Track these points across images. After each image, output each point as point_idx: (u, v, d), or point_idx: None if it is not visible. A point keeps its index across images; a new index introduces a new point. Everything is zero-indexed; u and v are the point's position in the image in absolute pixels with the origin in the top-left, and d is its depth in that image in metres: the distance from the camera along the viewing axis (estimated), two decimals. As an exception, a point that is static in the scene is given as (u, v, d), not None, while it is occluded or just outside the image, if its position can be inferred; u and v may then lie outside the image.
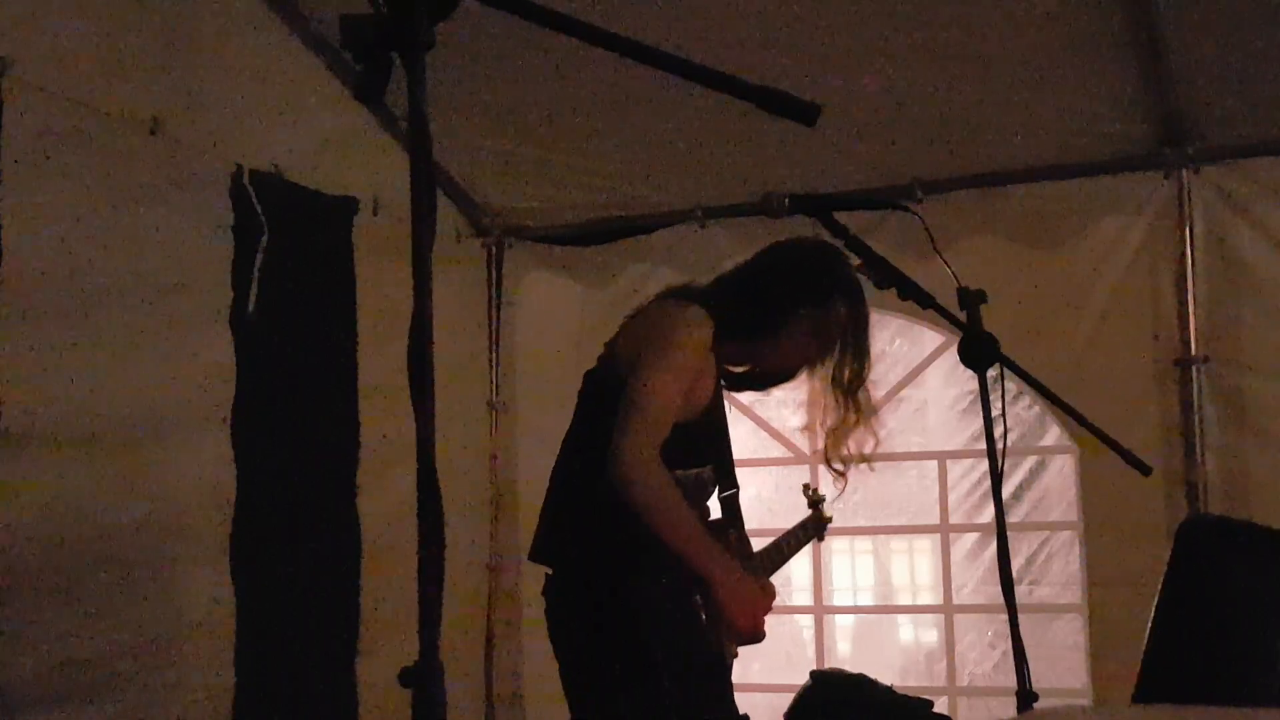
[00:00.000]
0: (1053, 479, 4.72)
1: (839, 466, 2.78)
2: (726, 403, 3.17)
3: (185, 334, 3.07)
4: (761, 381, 2.86)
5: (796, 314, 2.64)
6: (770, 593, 2.68)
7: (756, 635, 2.65)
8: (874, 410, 2.78)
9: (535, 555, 2.61)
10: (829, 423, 2.73)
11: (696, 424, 2.55)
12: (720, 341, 2.55)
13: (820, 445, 2.79)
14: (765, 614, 2.63)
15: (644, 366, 2.43)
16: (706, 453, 2.67)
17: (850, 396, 2.69)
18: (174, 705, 2.98)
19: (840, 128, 3.54)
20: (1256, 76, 3.40)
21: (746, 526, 2.85)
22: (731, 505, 2.78)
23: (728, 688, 2.66)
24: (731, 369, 2.79)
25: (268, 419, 3.27)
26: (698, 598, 2.52)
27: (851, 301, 2.65)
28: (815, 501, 3.29)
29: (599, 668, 2.48)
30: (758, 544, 2.95)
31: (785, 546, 3.07)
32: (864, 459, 2.78)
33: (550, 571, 2.58)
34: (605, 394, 2.47)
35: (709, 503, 2.74)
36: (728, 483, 2.77)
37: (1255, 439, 3.61)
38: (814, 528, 3.25)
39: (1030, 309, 3.73)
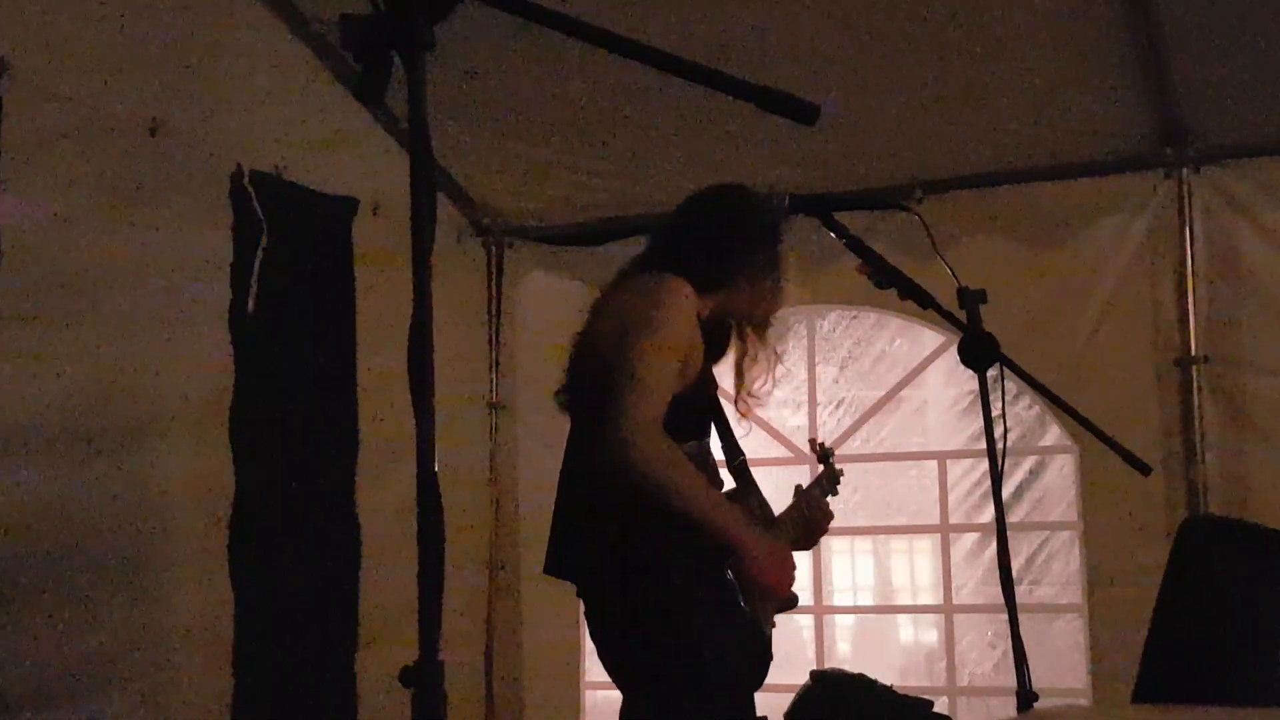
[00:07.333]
0: (1053, 479, 4.71)
1: (752, 401, 2.76)
2: (726, 403, 3.14)
3: (184, 334, 3.07)
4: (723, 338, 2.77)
5: (761, 250, 2.63)
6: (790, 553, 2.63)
7: (790, 599, 2.63)
8: (777, 336, 2.78)
9: (551, 568, 2.52)
10: (745, 362, 2.72)
11: (691, 395, 2.47)
12: (701, 296, 2.50)
13: (733, 389, 2.76)
14: (793, 575, 2.57)
15: (635, 338, 2.33)
16: (704, 424, 2.61)
17: (764, 329, 2.70)
18: (173, 705, 2.98)
19: (840, 128, 3.54)
20: (1256, 77, 3.40)
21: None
22: (743, 473, 2.71)
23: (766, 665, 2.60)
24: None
25: (267, 419, 3.28)
26: (729, 573, 2.45)
27: (781, 237, 2.68)
28: (824, 456, 3.17)
29: (649, 674, 2.41)
30: None
31: (805, 508, 2.94)
32: (775, 383, 2.76)
33: (578, 581, 2.51)
34: (596, 384, 2.36)
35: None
36: (734, 451, 2.71)
37: (1255, 439, 3.62)
38: (828, 483, 3.11)
39: (1030, 309, 3.73)
